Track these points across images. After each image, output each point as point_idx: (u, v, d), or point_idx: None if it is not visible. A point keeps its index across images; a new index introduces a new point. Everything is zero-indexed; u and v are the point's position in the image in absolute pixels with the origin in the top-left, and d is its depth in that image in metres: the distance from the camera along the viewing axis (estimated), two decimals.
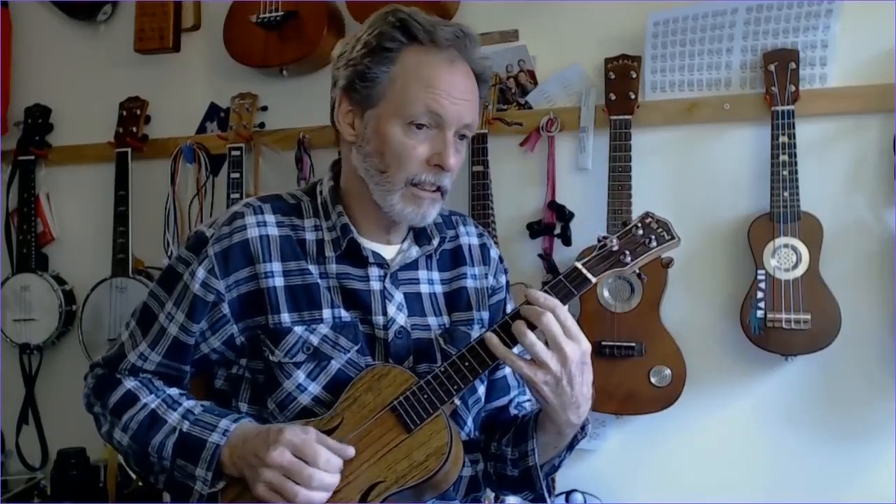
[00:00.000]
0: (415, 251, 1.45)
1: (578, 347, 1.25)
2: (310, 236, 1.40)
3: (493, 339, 1.25)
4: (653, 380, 2.02)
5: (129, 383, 1.39)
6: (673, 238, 1.31)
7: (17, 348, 2.62)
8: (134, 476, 2.37)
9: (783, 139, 1.94)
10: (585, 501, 2.14)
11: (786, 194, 1.92)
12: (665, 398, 2.02)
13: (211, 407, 1.38)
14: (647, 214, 1.33)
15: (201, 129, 2.56)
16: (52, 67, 2.72)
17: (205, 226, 1.42)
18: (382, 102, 1.34)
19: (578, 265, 1.28)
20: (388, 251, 1.44)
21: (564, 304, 1.26)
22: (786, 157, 1.93)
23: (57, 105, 2.69)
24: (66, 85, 2.70)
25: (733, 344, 2.05)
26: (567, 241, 2.17)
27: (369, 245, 1.41)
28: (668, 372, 2.01)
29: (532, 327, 1.24)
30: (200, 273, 1.35)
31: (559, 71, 2.21)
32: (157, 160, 2.54)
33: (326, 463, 1.22)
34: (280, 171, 2.42)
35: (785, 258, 1.93)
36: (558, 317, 1.23)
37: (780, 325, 1.91)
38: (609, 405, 2.06)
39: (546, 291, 1.27)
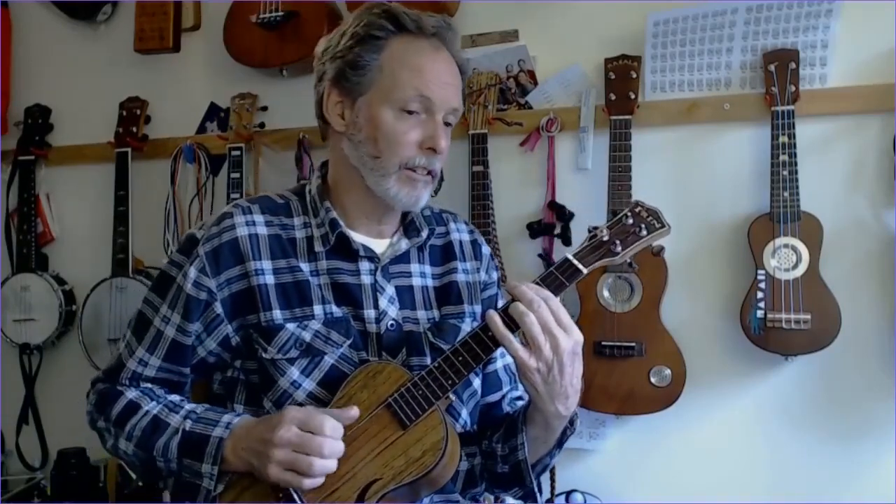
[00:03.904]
0: (404, 244, 1.46)
1: (570, 338, 1.26)
2: (299, 234, 1.42)
3: (496, 319, 1.26)
4: (653, 380, 2.02)
5: (131, 393, 1.40)
6: (663, 226, 1.32)
7: (17, 348, 2.62)
8: (134, 476, 2.37)
9: (783, 139, 1.93)
10: (585, 501, 2.14)
11: (786, 194, 1.92)
12: (665, 398, 2.02)
13: (212, 407, 1.39)
14: (636, 203, 1.34)
15: (201, 129, 2.56)
16: (52, 67, 2.72)
17: (195, 228, 1.44)
18: (373, 89, 1.38)
19: (569, 256, 1.30)
20: (379, 245, 1.46)
21: (556, 295, 1.28)
22: (786, 157, 1.93)
23: (57, 105, 2.69)
24: (66, 85, 2.70)
25: (733, 344, 2.05)
26: (567, 241, 2.17)
27: (360, 239, 1.43)
28: (668, 372, 2.01)
29: None
30: (192, 273, 1.37)
31: (559, 71, 2.21)
32: (157, 160, 2.54)
33: (333, 430, 1.24)
34: (280, 171, 2.42)
35: (785, 258, 1.93)
36: (550, 307, 1.25)
37: (780, 325, 1.91)
38: (609, 405, 2.05)
39: (538, 283, 1.28)
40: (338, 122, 1.42)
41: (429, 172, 1.39)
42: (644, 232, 1.31)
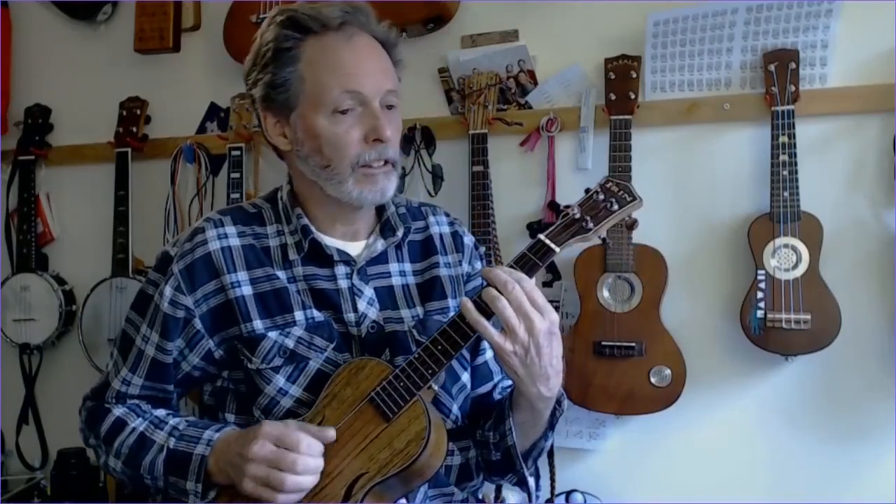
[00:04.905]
0: (380, 244, 1.45)
1: (545, 318, 1.25)
2: (273, 242, 1.41)
3: (469, 305, 1.25)
4: (653, 380, 2.02)
5: (118, 411, 1.41)
6: (634, 199, 1.31)
7: (17, 348, 2.62)
8: None
9: (783, 139, 1.93)
10: (585, 501, 2.14)
11: (786, 194, 1.92)
12: (665, 398, 2.02)
13: (196, 421, 1.40)
14: (607, 179, 1.33)
15: (201, 129, 2.56)
16: (52, 67, 2.72)
17: (169, 245, 1.45)
18: (301, 102, 1.36)
19: (541, 237, 1.29)
20: (355, 248, 1.44)
21: (531, 276, 1.27)
22: (786, 157, 1.93)
23: (57, 105, 2.68)
24: (66, 85, 2.69)
25: (733, 344, 2.05)
26: None
27: (333, 243, 1.41)
28: (668, 372, 2.01)
29: None
30: (168, 291, 1.37)
31: (559, 71, 2.21)
32: (157, 160, 2.54)
33: (308, 448, 1.23)
34: (280, 171, 2.37)
35: (785, 258, 1.93)
36: (524, 288, 1.24)
37: (780, 325, 1.91)
38: (609, 405, 2.06)
39: (512, 266, 1.28)
40: (282, 143, 1.41)
41: (386, 162, 1.37)
42: (615, 206, 1.29)
